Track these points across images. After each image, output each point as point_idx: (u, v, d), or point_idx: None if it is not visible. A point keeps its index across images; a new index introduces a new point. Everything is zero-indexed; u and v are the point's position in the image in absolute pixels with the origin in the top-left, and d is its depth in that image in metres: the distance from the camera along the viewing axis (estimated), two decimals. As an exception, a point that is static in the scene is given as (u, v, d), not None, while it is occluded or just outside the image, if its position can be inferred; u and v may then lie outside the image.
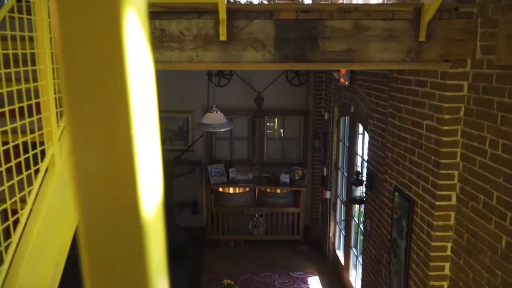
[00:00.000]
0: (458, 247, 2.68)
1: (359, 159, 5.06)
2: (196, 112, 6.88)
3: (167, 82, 6.54)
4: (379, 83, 4.01)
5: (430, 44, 2.49)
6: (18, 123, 1.31)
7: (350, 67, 2.59)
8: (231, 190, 7.05)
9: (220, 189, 6.93)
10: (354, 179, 4.44)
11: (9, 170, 1.27)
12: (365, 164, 4.68)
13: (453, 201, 2.70)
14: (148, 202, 0.36)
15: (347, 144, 5.58)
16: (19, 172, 1.31)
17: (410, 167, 3.11)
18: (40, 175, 1.43)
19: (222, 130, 5.12)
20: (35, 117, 1.41)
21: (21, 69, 1.34)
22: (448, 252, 2.77)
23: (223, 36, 2.46)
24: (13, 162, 1.26)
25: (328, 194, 6.15)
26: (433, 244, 2.77)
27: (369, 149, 4.37)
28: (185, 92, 6.82)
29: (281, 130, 7.27)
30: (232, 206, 6.85)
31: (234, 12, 2.44)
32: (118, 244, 0.36)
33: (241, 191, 7.00)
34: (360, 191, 4.36)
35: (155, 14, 2.44)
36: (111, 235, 0.36)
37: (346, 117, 5.60)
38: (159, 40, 2.46)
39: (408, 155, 3.14)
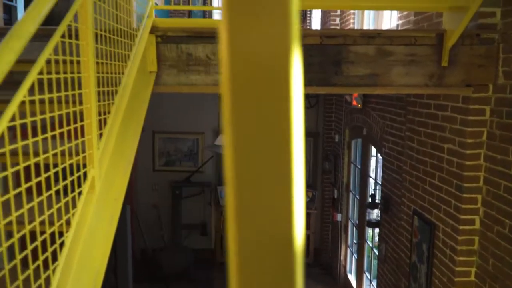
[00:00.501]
0: (483, 272, 2.65)
1: (371, 182, 5.05)
2: (207, 133, 6.92)
3: (178, 102, 6.60)
4: (394, 106, 4.04)
5: (452, 69, 2.52)
6: (66, 146, 1.32)
7: (373, 91, 2.62)
8: (240, 212, 7.00)
9: (229, 211, 6.88)
10: (369, 202, 4.42)
11: (49, 191, 1.27)
12: (378, 187, 4.67)
13: (477, 225, 2.69)
14: (299, 234, 0.37)
15: (358, 166, 5.58)
16: (59, 194, 1.31)
17: (430, 191, 3.10)
18: (83, 197, 1.44)
19: (235, 151, 5.13)
20: (79, 140, 1.43)
21: (69, 92, 1.36)
22: (472, 278, 2.73)
23: (248, 60, 2.49)
24: (61, 185, 1.27)
25: (339, 217, 6.11)
26: (457, 269, 2.74)
27: (383, 171, 4.37)
28: (195, 113, 6.87)
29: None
30: (242, 228, 6.78)
31: (259, 37, 2.48)
32: (273, 275, 0.37)
33: (250, 213, 6.95)
34: (376, 214, 4.34)
35: (183, 39, 2.49)
36: (267, 268, 0.37)
37: (358, 139, 5.62)
38: (186, 64, 2.50)
39: (428, 178, 3.14)
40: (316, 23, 8.04)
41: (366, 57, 2.51)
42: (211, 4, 7.91)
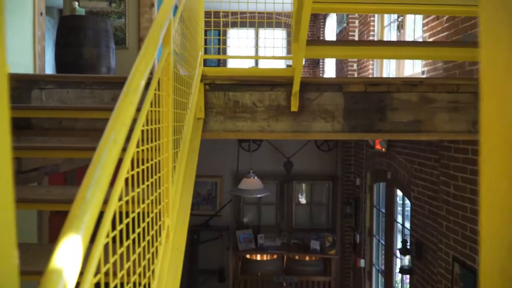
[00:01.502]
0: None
1: (398, 226, 4.97)
2: (225, 177, 6.92)
3: (198, 147, 6.65)
4: (423, 150, 4.06)
5: (495, 115, 2.55)
6: (151, 198, 1.33)
7: (417, 138, 2.63)
8: (258, 257, 6.87)
9: (248, 256, 6.76)
10: (400, 248, 4.34)
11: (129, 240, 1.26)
12: (406, 232, 4.60)
13: (527, 273, 2.61)
14: None
15: (382, 211, 5.52)
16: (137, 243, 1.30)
17: (472, 237, 3.05)
18: (161, 247, 1.43)
19: (259, 196, 5.11)
20: (160, 189, 1.43)
21: (157, 142, 1.38)
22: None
23: (294, 107, 2.55)
24: (150, 235, 1.26)
25: (362, 262, 5.97)
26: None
27: (413, 216, 4.32)
28: (214, 157, 6.90)
29: (309, 195, 7.23)
30: (260, 274, 6.63)
31: (305, 84, 2.54)
32: None
33: (269, 258, 6.82)
34: (408, 260, 4.24)
35: (230, 86, 2.55)
36: None
37: (381, 183, 5.59)
38: (233, 111, 2.55)
39: (469, 224, 3.09)
40: (330, 70, 8.24)
41: (410, 104, 2.56)
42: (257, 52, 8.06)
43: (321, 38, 8.74)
